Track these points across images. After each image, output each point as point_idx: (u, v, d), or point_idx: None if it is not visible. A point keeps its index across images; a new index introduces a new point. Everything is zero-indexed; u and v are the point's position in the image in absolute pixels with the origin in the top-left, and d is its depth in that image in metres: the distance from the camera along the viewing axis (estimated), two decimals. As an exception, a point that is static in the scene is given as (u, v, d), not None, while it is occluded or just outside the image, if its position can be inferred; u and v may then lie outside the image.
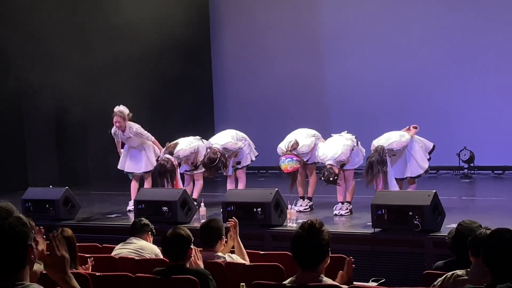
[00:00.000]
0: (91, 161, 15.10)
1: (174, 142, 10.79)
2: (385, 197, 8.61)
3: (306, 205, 10.32)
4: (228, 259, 6.07)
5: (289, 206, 9.07)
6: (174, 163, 10.49)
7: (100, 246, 7.52)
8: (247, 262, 6.25)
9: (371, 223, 8.45)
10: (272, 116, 15.72)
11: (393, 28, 15.03)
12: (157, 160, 10.79)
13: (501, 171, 14.13)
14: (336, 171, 9.60)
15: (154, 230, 7.11)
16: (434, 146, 10.15)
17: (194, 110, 16.18)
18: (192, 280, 5.18)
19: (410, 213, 8.12)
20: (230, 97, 16.81)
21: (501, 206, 10.35)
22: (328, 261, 4.34)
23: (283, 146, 10.19)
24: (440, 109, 14.48)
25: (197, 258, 5.52)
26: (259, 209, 8.97)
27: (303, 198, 10.41)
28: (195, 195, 10.63)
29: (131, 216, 10.12)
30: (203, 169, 10.65)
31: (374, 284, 5.60)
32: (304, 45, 15.91)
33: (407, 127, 10.10)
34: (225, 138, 10.70)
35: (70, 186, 10.69)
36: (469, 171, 14.16)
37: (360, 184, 10.04)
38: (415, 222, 8.05)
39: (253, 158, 10.94)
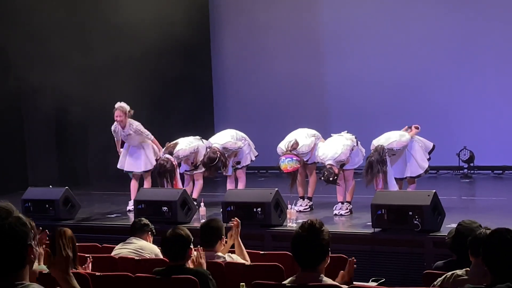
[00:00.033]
0: (91, 161, 15.10)
1: (174, 142, 10.79)
2: (385, 197, 8.61)
3: (306, 205, 10.32)
4: (228, 259, 6.07)
5: (289, 206, 9.07)
6: (174, 163, 10.49)
7: (100, 246, 7.52)
8: (248, 262, 6.25)
9: (371, 223, 8.45)
10: (272, 116, 15.72)
11: (393, 28, 15.02)
12: (156, 160, 10.79)
13: (501, 171, 14.13)
14: (336, 171, 9.60)
15: (154, 230, 7.11)
16: (434, 146, 10.16)
17: (194, 110, 16.18)
18: (192, 280, 5.19)
19: (410, 213, 8.12)
20: (230, 97, 16.82)
21: (501, 206, 10.36)
22: (328, 261, 4.34)
23: (283, 146, 10.19)
24: (440, 109, 14.48)
25: (200, 257, 5.52)
26: (259, 209, 8.97)
27: (303, 198, 10.41)
28: (195, 195, 10.63)
29: (131, 216, 10.12)
30: (203, 169, 10.65)
31: (374, 284, 5.60)
32: (304, 45, 15.91)
33: (406, 127, 10.10)
34: (225, 137, 10.70)
35: (70, 186, 10.69)
36: (469, 171, 14.16)
37: (360, 184, 10.04)
38: (415, 222, 8.05)
39: (253, 158, 10.94)
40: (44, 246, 5.97)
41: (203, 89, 16.85)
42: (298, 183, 10.32)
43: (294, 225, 8.76)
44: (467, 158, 14.18)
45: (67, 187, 10.51)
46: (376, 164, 9.36)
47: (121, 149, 11.15)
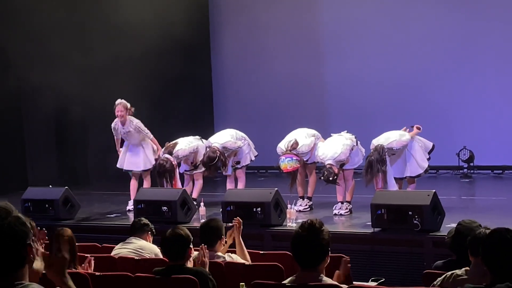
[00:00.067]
0: (91, 161, 15.10)
1: (174, 142, 10.79)
2: (385, 196, 8.61)
3: (306, 205, 10.32)
4: (228, 259, 6.07)
5: (289, 206, 9.07)
6: (173, 163, 10.49)
7: (99, 246, 7.52)
8: (249, 262, 6.25)
9: (370, 223, 8.45)
10: (272, 116, 15.72)
11: (393, 28, 15.02)
12: (156, 160, 10.79)
13: (501, 171, 14.13)
14: (336, 170, 9.60)
15: (153, 230, 7.10)
16: (433, 146, 10.15)
17: (194, 110, 16.19)
18: (192, 280, 5.19)
19: (410, 212, 8.12)
20: (230, 97, 16.82)
21: (500, 205, 10.36)
22: (328, 261, 4.34)
23: (282, 145, 10.19)
24: (440, 109, 14.48)
25: (203, 256, 5.53)
26: (259, 209, 8.97)
27: (302, 197, 10.41)
28: (194, 195, 10.63)
29: (131, 216, 10.12)
30: (203, 169, 10.65)
31: (374, 284, 5.61)
32: (304, 45, 15.91)
33: (404, 127, 10.10)
34: (225, 137, 10.70)
35: (70, 186, 10.69)
36: (469, 171, 14.16)
37: (360, 184, 10.04)
38: (415, 221, 8.05)
39: (253, 158, 10.94)
40: (42, 246, 5.96)
41: (203, 89, 16.85)
42: (298, 183, 10.32)
43: (294, 225, 8.76)
44: (467, 158, 14.18)
45: (67, 187, 10.51)
46: (375, 163, 9.36)
47: (121, 148, 11.16)
